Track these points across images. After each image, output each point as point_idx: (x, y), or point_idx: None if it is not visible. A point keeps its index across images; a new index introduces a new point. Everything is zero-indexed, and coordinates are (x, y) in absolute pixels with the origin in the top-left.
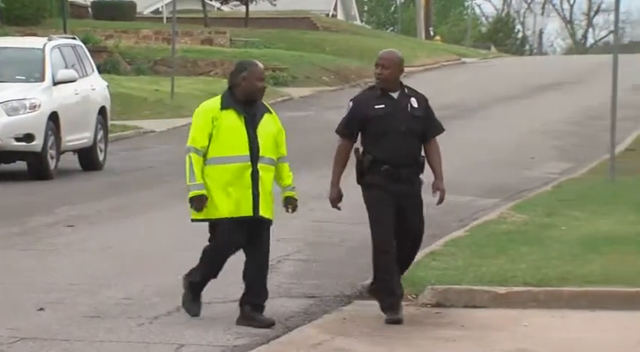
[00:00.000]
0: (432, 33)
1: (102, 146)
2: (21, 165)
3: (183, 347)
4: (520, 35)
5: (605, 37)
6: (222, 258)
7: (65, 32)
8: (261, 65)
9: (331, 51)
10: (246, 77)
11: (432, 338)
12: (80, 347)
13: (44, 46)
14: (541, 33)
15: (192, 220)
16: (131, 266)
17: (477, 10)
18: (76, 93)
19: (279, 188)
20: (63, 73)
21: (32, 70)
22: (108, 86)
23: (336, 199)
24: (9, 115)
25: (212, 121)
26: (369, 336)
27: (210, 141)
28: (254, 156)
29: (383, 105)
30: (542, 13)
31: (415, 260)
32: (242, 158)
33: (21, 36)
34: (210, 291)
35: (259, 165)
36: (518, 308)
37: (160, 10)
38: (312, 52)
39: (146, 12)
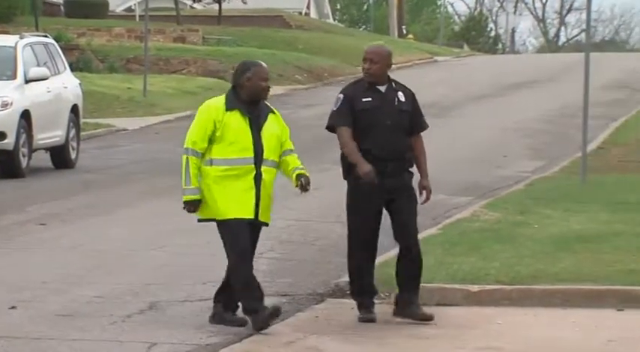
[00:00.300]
0: (404, 31)
1: (74, 144)
2: None
3: (155, 345)
4: (493, 34)
5: (577, 35)
6: (247, 261)
7: (37, 30)
8: (264, 65)
9: (304, 49)
10: (250, 77)
11: (404, 336)
12: (52, 345)
13: (16, 43)
14: (513, 31)
15: (199, 220)
16: (103, 264)
17: (450, 9)
18: (49, 91)
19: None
20: (35, 71)
21: (4, 67)
22: (80, 84)
23: (369, 170)
24: None
25: (214, 124)
26: (341, 335)
27: (214, 142)
28: (258, 158)
29: (370, 99)
30: (515, 12)
31: (387, 258)
32: (246, 160)
33: None
34: (174, 291)
35: (263, 168)
36: (491, 306)
37: (133, 8)
38: (284, 51)
39: (118, 10)
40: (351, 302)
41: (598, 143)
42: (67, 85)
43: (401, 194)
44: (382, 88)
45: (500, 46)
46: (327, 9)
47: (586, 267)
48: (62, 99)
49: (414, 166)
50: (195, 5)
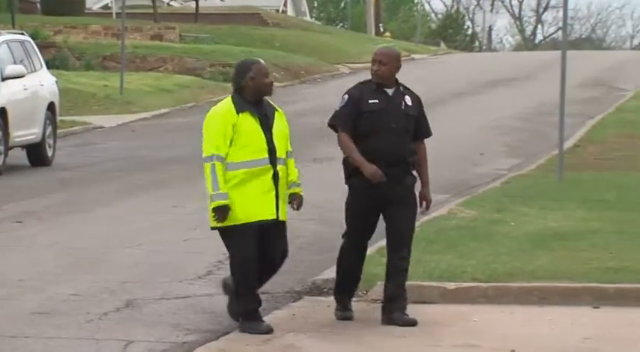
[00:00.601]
0: (381, 29)
1: (50, 142)
2: None
3: (132, 343)
4: (470, 32)
5: (554, 33)
6: (251, 268)
7: (13, 27)
8: (263, 61)
9: (281, 47)
10: (253, 77)
11: (381, 334)
12: (29, 343)
13: None
14: (490, 29)
15: (212, 228)
16: (80, 262)
17: (427, 7)
18: (25, 89)
19: None
20: (11, 69)
21: None
22: (57, 82)
23: (375, 170)
24: None
25: (232, 127)
26: (318, 332)
27: (229, 147)
28: (273, 158)
29: (377, 101)
30: (492, 10)
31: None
32: (262, 161)
33: None
34: (150, 289)
35: (278, 167)
36: (468, 304)
37: (110, 5)
38: (262, 48)
39: (95, 7)
40: (328, 300)
41: (574, 141)
42: (43, 83)
43: (401, 199)
44: (390, 91)
45: (477, 43)
46: (305, 7)
47: (562, 265)
48: (39, 96)
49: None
50: (172, 3)
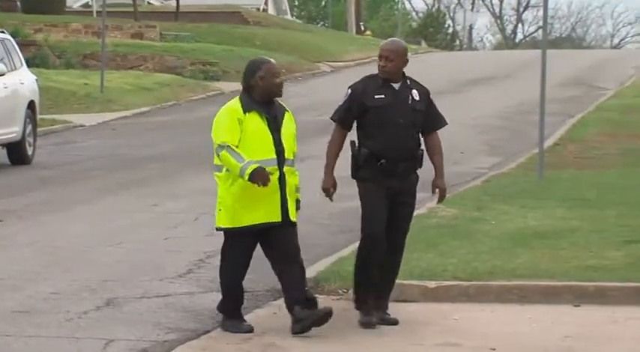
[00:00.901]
0: (362, 28)
1: (31, 140)
2: None
3: (112, 342)
4: (450, 30)
5: (534, 32)
6: (239, 275)
7: None
8: (274, 61)
9: (262, 45)
10: (263, 76)
11: (362, 332)
12: (9, 342)
13: None
14: (471, 28)
15: (217, 229)
16: (60, 260)
17: (408, 5)
18: (5, 88)
19: None
20: None
21: None
22: (37, 80)
23: (329, 188)
24: None
25: (239, 123)
26: None
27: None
28: (280, 159)
29: (383, 96)
30: (472, 9)
31: (345, 254)
32: (269, 162)
33: None
34: (131, 288)
35: (285, 168)
36: (448, 303)
37: (90, 3)
38: (242, 47)
39: (75, 6)
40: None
41: (555, 139)
42: (23, 81)
43: (402, 198)
44: (396, 85)
45: (457, 42)
46: (285, 5)
47: (543, 263)
48: (19, 95)
49: (419, 166)
50: (153, 1)
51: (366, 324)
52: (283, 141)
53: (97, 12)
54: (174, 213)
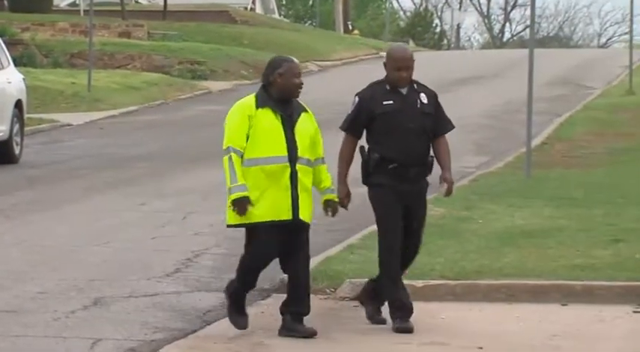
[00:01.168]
0: (350, 27)
1: (18, 139)
2: None
3: (100, 341)
4: (438, 30)
5: (521, 31)
6: (257, 270)
7: None
8: (297, 61)
9: (249, 44)
10: (282, 74)
11: (349, 331)
12: None
13: None
14: (458, 27)
15: (228, 226)
16: (47, 260)
17: (395, 4)
18: None
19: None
20: None
21: None
22: (24, 79)
23: (344, 198)
24: None
25: (249, 119)
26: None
27: (247, 142)
28: (292, 156)
29: (391, 102)
30: (460, 8)
31: (333, 253)
32: (280, 159)
33: None
34: (118, 287)
35: (298, 166)
36: (436, 302)
37: (77, 2)
38: (230, 46)
39: (63, 4)
40: None
41: (542, 138)
42: (10, 80)
43: (415, 201)
44: (403, 90)
45: (445, 41)
46: (273, 4)
47: (530, 262)
48: (6, 94)
49: (431, 165)
50: (141, 0)
51: (405, 330)
52: (297, 139)
53: (85, 11)
54: (161, 213)
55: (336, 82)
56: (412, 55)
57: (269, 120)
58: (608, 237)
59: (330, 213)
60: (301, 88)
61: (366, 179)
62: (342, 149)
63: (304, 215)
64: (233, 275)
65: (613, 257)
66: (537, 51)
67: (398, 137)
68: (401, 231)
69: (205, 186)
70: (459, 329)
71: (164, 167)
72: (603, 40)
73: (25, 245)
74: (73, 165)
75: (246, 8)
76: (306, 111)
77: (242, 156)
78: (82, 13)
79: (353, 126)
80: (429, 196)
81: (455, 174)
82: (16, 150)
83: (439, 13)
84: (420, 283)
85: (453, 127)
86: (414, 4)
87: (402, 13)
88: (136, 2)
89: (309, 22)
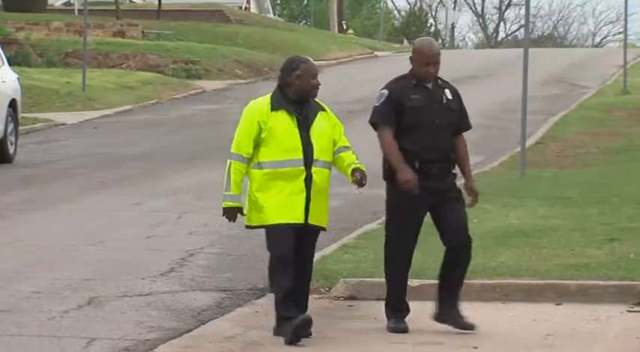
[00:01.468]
0: (344, 26)
1: (12, 139)
2: None
3: (94, 340)
4: (432, 29)
5: (516, 31)
6: (285, 268)
7: None
8: (313, 61)
9: (244, 44)
10: (300, 75)
11: (344, 330)
12: None
13: None
14: (453, 27)
15: (247, 227)
16: (42, 259)
17: (390, 4)
18: None
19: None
20: None
21: None
22: (19, 78)
23: (411, 178)
24: None
25: (258, 125)
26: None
27: (261, 145)
28: (308, 159)
29: (418, 96)
30: (454, 7)
31: (327, 253)
32: (295, 162)
33: None
34: (112, 286)
35: (313, 169)
36: (431, 301)
37: (72, 2)
38: (224, 45)
39: (57, 4)
40: None
41: (537, 138)
42: (5, 80)
43: (447, 196)
44: (429, 85)
45: (440, 41)
46: (268, 3)
47: (524, 262)
48: (0, 93)
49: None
50: None
51: (396, 330)
52: (313, 141)
53: (79, 10)
54: (156, 212)
55: (331, 81)
56: (439, 51)
57: (284, 123)
58: (602, 237)
59: (357, 177)
60: (318, 88)
61: (388, 176)
62: (384, 142)
63: (315, 219)
64: (227, 274)
65: (607, 256)
66: (532, 50)
67: (423, 132)
68: (416, 237)
69: (200, 185)
70: (454, 328)
71: (158, 166)
72: (597, 39)
73: (19, 244)
74: (68, 165)
75: (240, 7)
76: (323, 109)
77: (248, 162)
78: (76, 12)
79: (387, 117)
80: None
81: None
82: (11, 150)
83: (433, 13)
84: (415, 282)
85: (471, 127)
86: (409, 3)
87: (396, 12)
88: (131, 2)
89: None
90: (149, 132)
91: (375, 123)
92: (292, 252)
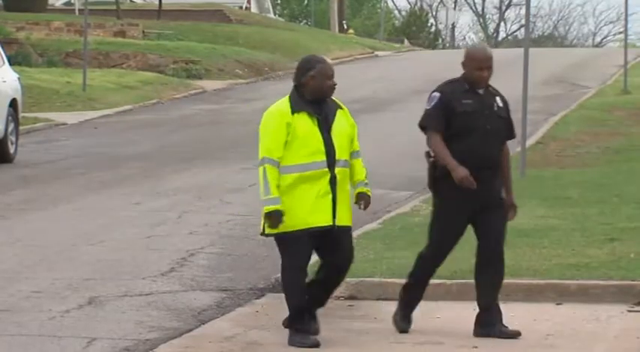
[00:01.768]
0: (345, 26)
1: (13, 138)
2: None
3: (95, 340)
4: (433, 29)
5: (516, 31)
6: (301, 280)
7: None
8: (329, 61)
9: (244, 44)
10: (314, 76)
11: (344, 330)
12: None
13: None
14: (453, 27)
15: (266, 235)
16: (42, 259)
17: (390, 4)
18: None
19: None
20: None
21: None
22: (19, 78)
23: (466, 174)
24: None
25: (286, 127)
26: (281, 329)
27: (284, 148)
28: (331, 161)
29: (470, 101)
30: (455, 7)
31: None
32: (319, 164)
33: None
34: (113, 286)
35: (337, 170)
36: (431, 301)
37: (72, 1)
38: (225, 45)
39: (58, 4)
40: None
41: (537, 138)
42: (5, 79)
43: (492, 202)
44: (480, 91)
45: (440, 41)
46: (268, 3)
47: (525, 262)
48: (1, 93)
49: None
50: None
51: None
52: (334, 141)
53: (80, 10)
54: (156, 212)
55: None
56: (492, 57)
57: (306, 125)
58: (602, 236)
59: (362, 207)
60: (334, 89)
61: (434, 184)
62: (433, 145)
63: (343, 219)
64: (228, 274)
65: (608, 256)
66: (532, 50)
67: (474, 138)
68: (457, 241)
69: (200, 185)
70: (454, 328)
71: (159, 166)
72: (598, 39)
73: (19, 244)
74: (68, 165)
75: (241, 7)
76: (340, 108)
77: (278, 166)
78: (77, 12)
79: (437, 122)
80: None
81: None
82: (11, 150)
83: (434, 13)
84: None
85: (515, 136)
86: (409, 3)
87: (397, 12)
88: (131, 1)
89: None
90: (149, 132)
91: (424, 127)
92: (305, 268)
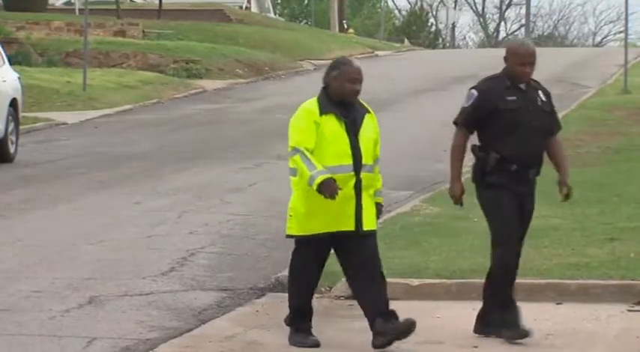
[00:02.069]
0: (345, 26)
1: (13, 138)
2: None
3: (95, 340)
4: (433, 29)
5: (516, 30)
6: (306, 281)
7: None
8: (357, 64)
9: (245, 43)
10: (336, 77)
11: (344, 329)
12: None
13: None
14: (453, 26)
15: (288, 236)
16: (42, 259)
17: (391, 3)
18: None
19: None
20: None
21: None
22: (19, 78)
23: (458, 194)
24: None
25: (315, 125)
26: (281, 329)
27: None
28: (357, 165)
29: (515, 98)
30: (455, 7)
31: None
32: (345, 168)
33: None
34: (113, 286)
35: (362, 174)
36: (431, 300)
37: (72, 1)
38: (225, 45)
39: (58, 4)
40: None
41: None
42: (5, 79)
43: (528, 201)
44: (522, 86)
45: (440, 40)
46: (268, 3)
47: (525, 261)
48: (1, 93)
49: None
50: None
51: (521, 336)
52: (361, 145)
53: (80, 10)
54: (156, 211)
55: None
56: (535, 52)
57: (333, 127)
58: (603, 236)
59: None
60: (356, 94)
61: (482, 178)
62: (455, 145)
63: (368, 224)
64: (228, 274)
65: (608, 256)
66: None
67: (520, 135)
68: (520, 225)
69: (200, 185)
70: (454, 328)
71: (159, 166)
72: (598, 38)
73: (19, 244)
74: (68, 164)
75: (241, 7)
76: (369, 111)
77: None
78: (77, 11)
79: (471, 120)
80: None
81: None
82: (11, 149)
83: (434, 12)
84: (415, 282)
85: (562, 128)
86: (409, 3)
87: (397, 12)
88: (131, 1)
89: (305, 21)
90: (150, 132)
91: (456, 123)
92: (314, 269)
